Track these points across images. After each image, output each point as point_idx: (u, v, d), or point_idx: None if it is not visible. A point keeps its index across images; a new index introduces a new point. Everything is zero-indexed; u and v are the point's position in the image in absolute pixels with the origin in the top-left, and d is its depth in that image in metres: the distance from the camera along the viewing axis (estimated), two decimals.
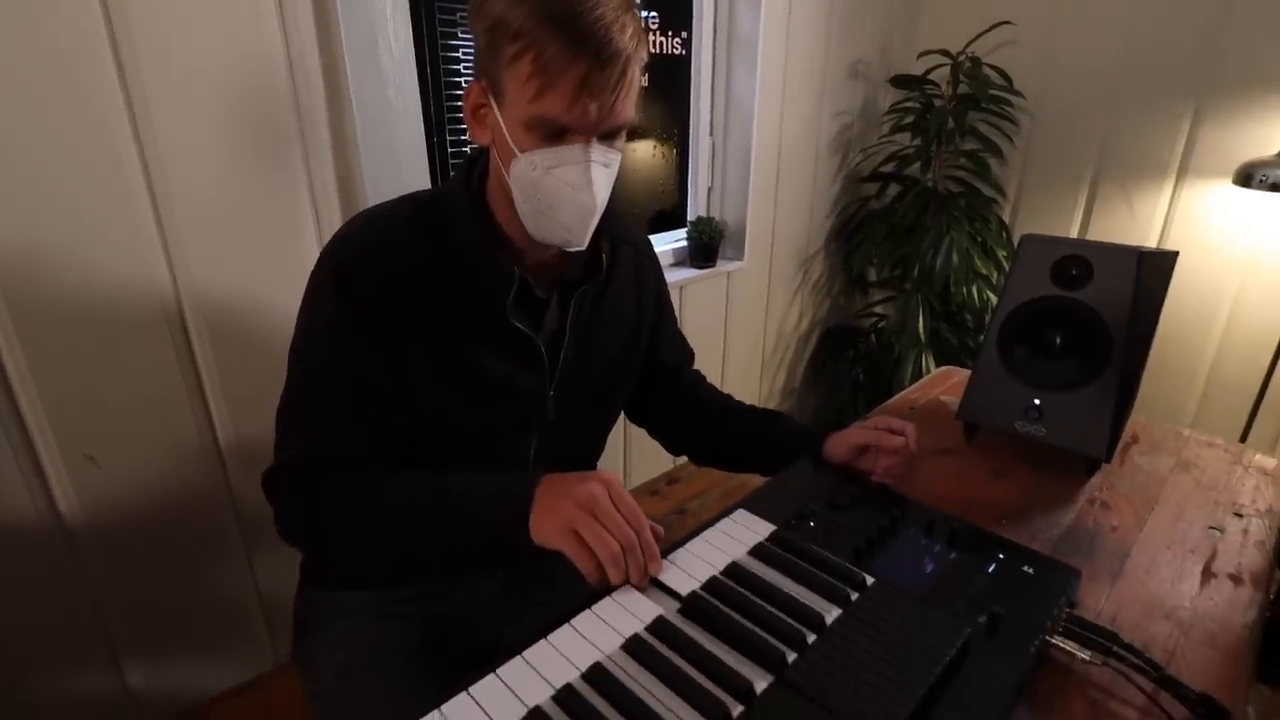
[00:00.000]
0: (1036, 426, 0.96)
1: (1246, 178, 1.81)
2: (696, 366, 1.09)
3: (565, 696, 0.52)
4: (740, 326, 2.30)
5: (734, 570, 0.66)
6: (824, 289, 2.64)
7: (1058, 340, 0.96)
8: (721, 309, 2.21)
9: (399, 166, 1.36)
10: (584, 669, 0.54)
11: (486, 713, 0.51)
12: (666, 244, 2.11)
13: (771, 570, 0.66)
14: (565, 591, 0.87)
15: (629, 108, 0.70)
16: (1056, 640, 0.63)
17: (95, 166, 1.00)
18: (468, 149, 1.52)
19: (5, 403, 0.98)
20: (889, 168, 2.43)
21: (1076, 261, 0.94)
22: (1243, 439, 2.00)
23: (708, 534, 0.72)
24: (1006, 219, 2.41)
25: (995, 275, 2.33)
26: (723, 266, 2.10)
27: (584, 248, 0.77)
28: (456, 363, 0.77)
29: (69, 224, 1.00)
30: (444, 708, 0.51)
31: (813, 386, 2.80)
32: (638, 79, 0.69)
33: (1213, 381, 2.16)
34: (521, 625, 0.83)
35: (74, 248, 1.01)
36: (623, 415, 1.04)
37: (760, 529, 0.72)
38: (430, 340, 0.75)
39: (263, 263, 1.17)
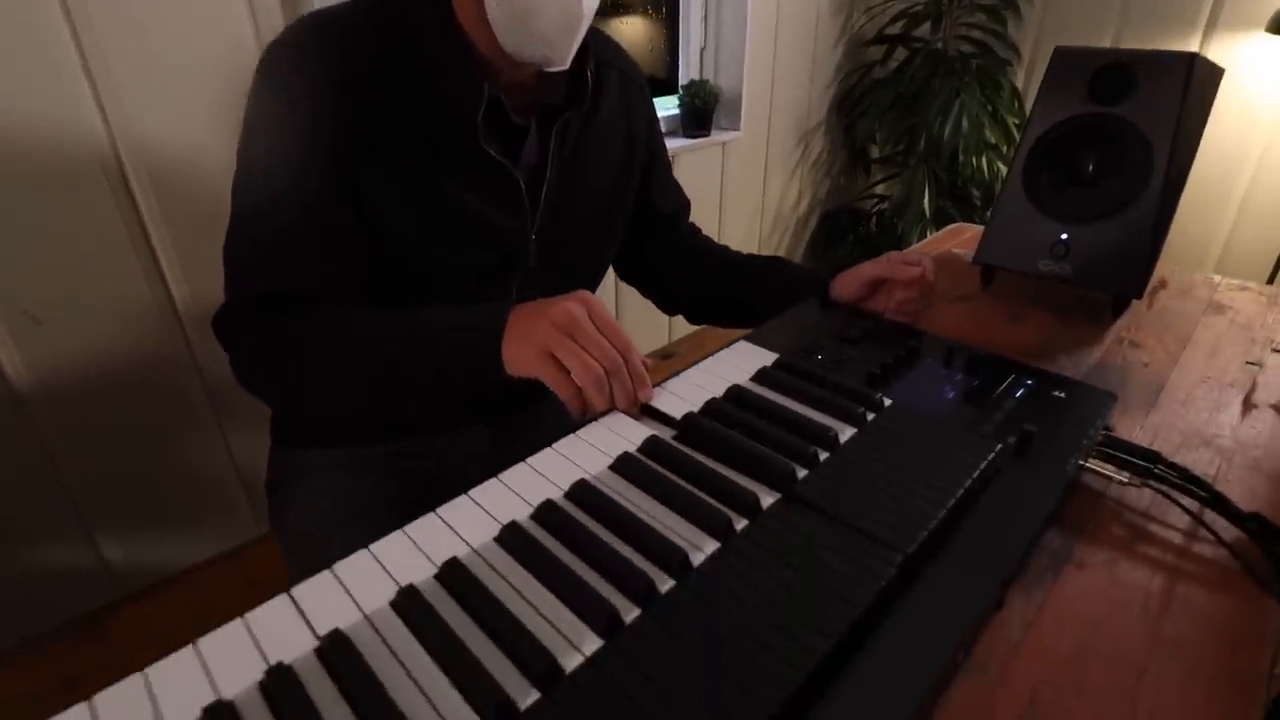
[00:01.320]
0: (1062, 265, 0.88)
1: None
2: None
3: (545, 513, 0.45)
4: (736, 204, 2.18)
5: (735, 393, 0.59)
6: (824, 167, 2.50)
7: (1090, 166, 0.86)
8: (716, 184, 2.08)
9: None
10: (566, 488, 0.48)
11: (457, 532, 0.44)
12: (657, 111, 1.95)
13: (777, 394, 0.59)
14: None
15: None
16: (1091, 464, 0.58)
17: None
18: None
19: None
20: (896, 29, 2.24)
21: (1118, 71, 0.83)
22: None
23: (704, 364, 0.64)
24: (1020, 84, 2.25)
25: (1005, 145, 2.19)
26: (717, 136, 1.96)
27: (565, 67, 0.68)
28: (423, 193, 0.68)
29: None
30: (409, 528, 0.45)
31: None
32: None
33: (1236, 233, 2.06)
34: None
35: None
36: (613, 283, 0.96)
37: (763, 358, 0.65)
38: (393, 162, 0.66)
39: (203, 105, 1.04)
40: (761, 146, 2.18)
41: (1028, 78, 2.27)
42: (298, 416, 0.81)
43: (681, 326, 2.00)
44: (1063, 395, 0.63)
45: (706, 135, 1.92)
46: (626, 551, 0.42)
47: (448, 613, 0.38)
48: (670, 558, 0.41)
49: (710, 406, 0.56)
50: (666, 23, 1.90)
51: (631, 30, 1.83)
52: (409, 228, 0.68)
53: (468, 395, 0.62)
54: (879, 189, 2.52)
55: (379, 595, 0.39)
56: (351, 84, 0.63)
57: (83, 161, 0.96)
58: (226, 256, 0.66)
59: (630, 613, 0.38)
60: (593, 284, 0.91)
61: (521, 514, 0.45)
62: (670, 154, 1.84)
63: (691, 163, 1.93)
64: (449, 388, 0.61)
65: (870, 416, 0.56)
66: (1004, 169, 2.18)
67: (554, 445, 0.52)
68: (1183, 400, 0.71)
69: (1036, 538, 0.50)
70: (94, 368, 1.03)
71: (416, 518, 0.45)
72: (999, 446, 0.53)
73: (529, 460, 0.51)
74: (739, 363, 0.64)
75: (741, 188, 2.17)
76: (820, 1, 2.15)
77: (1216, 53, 1.93)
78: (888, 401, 0.58)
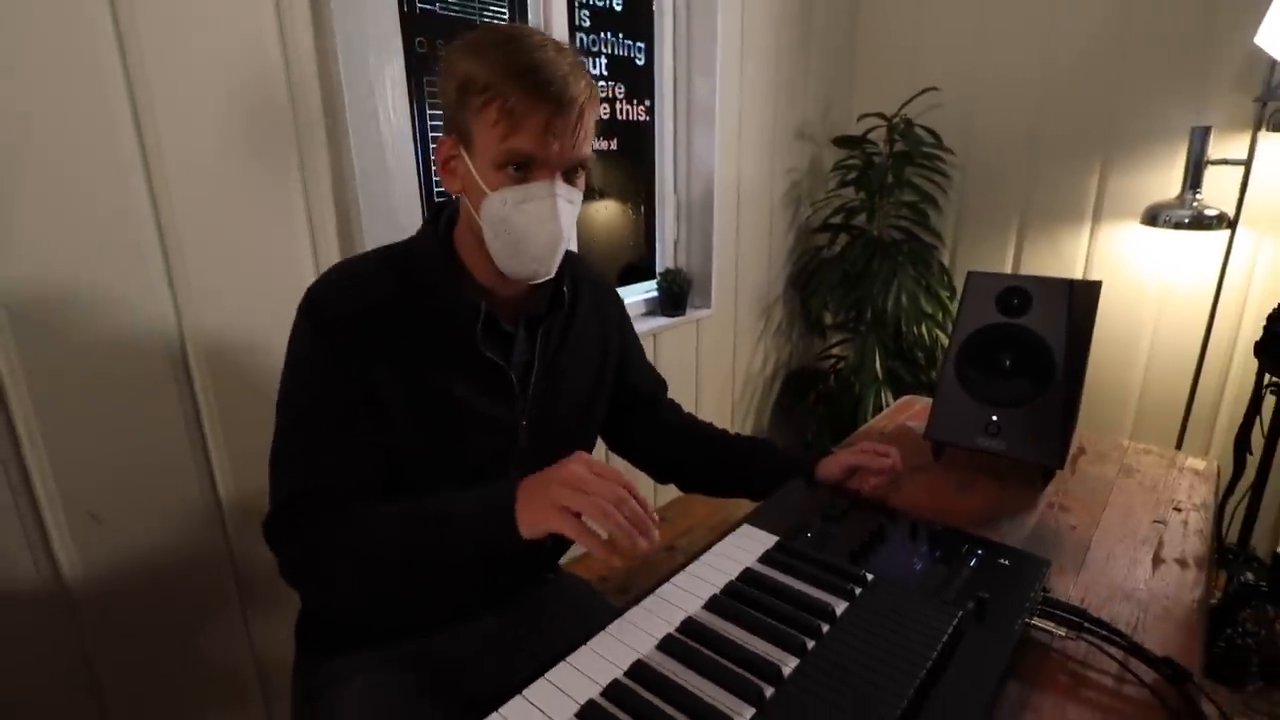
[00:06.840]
0: (996, 441, 1.06)
1: (1152, 218, 2.02)
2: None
3: (613, 691, 0.57)
4: (710, 372, 2.41)
5: (748, 575, 0.72)
6: (785, 334, 2.78)
7: (1007, 362, 1.07)
8: (692, 355, 2.31)
9: (394, 213, 1.44)
10: (625, 668, 0.60)
11: (543, 711, 0.55)
12: (638, 295, 2.21)
13: (781, 574, 0.73)
14: (555, 631, 0.92)
15: (587, 146, 0.78)
16: (1036, 621, 0.71)
17: (105, 206, 1.03)
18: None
19: (14, 463, 0.99)
20: (837, 219, 2.61)
21: (1017, 292, 1.06)
22: (1178, 447, 2.17)
23: (718, 547, 0.78)
24: (946, 262, 2.60)
25: (940, 314, 2.50)
26: (692, 315, 2.21)
27: (551, 276, 0.83)
28: (431, 393, 0.79)
29: (78, 265, 1.01)
30: (502, 709, 0.56)
31: (781, 428, 2.90)
32: (593, 123, 0.78)
33: (1144, 399, 2.34)
34: (516, 669, 0.76)
35: (83, 290, 1.02)
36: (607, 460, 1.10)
37: (765, 540, 0.79)
38: (404, 371, 0.79)
39: (265, 308, 1.20)
40: (730, 320, 2.45)
41: (953, 257, 2.64)
42: (328, 617, 0.88)
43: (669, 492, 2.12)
44: (1007, 563, 0.78)
45: (682, 315, 2.17)
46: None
47: None
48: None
49: (731, 588, 0.70)
50: (645, 221, 2.21)
51: (617, 226, 2.12)
52: (420, 424, 0.80)
53: (488, 567, 0.70)
54: (835, 350, 2.79)
55: None
56: (368, 310, 0.78)
57: (157, 361, 1.09)
58: (273, 463, 0.78)
59: None
60: None
61: (594, 692, 0.57)
62: (650, 332, 2.11)
63: (670, 338, 2.17)
64: (470, 561, 0.68)
65: (858, 591, 0.70)
66: (943, 336, 2.47)
67: (608, 629, 0.65)
68: (1105, 559, 0.87)
69: (999, 691, 0.63)
70: (141, 562, 1.10)
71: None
72: (960, 614, 0.67)
73: (590, 644, 0.63)
74: (747, 546, 0.78)
75: (715, 357, 2.41)
76: (774, 197, 2.52)
77: (1105, 236, 2.31)
78: (870, 577, 0.72)
